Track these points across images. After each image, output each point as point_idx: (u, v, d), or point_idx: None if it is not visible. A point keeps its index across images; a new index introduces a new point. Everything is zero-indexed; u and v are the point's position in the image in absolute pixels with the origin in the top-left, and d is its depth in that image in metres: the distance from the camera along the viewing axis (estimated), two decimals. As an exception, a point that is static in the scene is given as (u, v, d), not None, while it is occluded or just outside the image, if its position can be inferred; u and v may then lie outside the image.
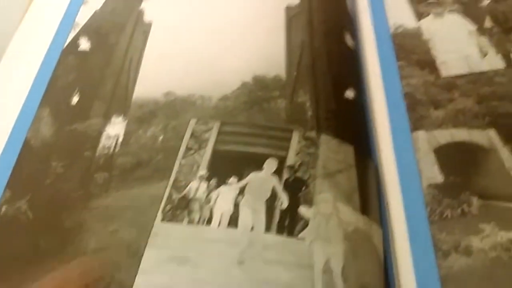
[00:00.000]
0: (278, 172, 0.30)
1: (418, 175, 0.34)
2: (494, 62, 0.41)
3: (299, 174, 0.30)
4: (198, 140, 0.32)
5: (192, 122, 0.33)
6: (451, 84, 0.39)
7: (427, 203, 0.33)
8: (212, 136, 0.32)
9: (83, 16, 0.45)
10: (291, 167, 0.30)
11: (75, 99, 0.37)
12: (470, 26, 0.44)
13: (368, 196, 0.31)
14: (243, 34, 0.38)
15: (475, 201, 0.32)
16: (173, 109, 0.34)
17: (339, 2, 0.42)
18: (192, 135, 0.32)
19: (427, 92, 0.39)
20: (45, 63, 0.41)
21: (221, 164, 0.31)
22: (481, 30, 0.44)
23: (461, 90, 0.39)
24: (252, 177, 0.30)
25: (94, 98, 0.37)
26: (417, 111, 0.38)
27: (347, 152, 0.32)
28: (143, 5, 0.43)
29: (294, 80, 0.35)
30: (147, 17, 0.42)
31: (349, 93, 0.35)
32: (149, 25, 0.41)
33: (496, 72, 0.39)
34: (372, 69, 0.41)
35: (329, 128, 0.33)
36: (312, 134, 0.32)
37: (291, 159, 0.30)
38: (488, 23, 0.44)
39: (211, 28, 0.39)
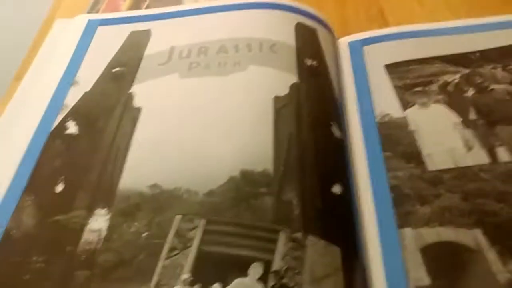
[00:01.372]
0: (263, 278, 0.29)
1: (405, 276, 0.34)
2: (479, 156, 0.41)
3: (285, 280, 0.29)
4: (183, 239, 0.32)
5: (177, 218, 0.33)
6: (437, 178, 0.40)
7: (415, 307, 0.32)
8: (197, 236, 0.31)
9: (72, 98, 0.45)
10: (277, 273, 0.30)
11: (59, 188, 0.37)
12: (455, 118, 0.45)
13: (355, 304, 0.30)
14: (231, 125, 0.38)
15: (464, 308, 0.32)
16: (159, 203, 0.34)
17: (327, 92, 0.43)
18: (176, 233, 0.32)
19: (414, 186, 0.39)
20: (31, 147, 0.41)
21: (205, 268, 0.30)
22: (466, 123, 0.44)
23: (447, 185, 0.39)
24: (237, 284, 0.29)
25: (79, 187, 0.36)
26: (404, 207, 0.38)
27: (334, 254, 0.32)
28: (134, 89, 0.44)
29: (281, 176, 0.35)
30: (136, 102, 0.43)
31: (336, 189, 0.35)
32: (138, 111, 0.42)
33: (481, 168, 0.40)
34: (359, 160, 0.42)
35: (316, 228, 0.32)
36: (299, 235, 0.31)
37: (277, 264, 0.30)
38: (472, 115, 0.45)
39: (200, 117, 0.39)
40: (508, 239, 0.34)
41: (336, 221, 0.34)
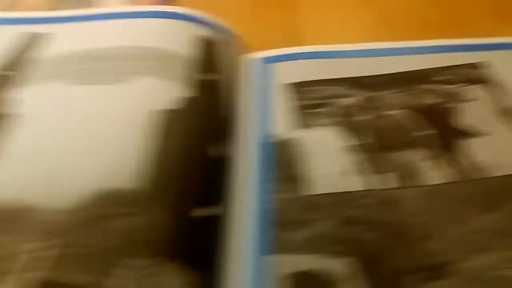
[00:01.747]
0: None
1: (262, 307, 0.32)
2: (366, 182, 0.40)
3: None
4: (29, 262, 0.29)
5: (26, 238, 0.30)
6: (319, 203, 0.38)
7: None
8: (44, 259, 0.29)
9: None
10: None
11: None
12: (350, 141, 0.44)
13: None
14: (104, 138, 0.36)
15: None
16: (9, 221, 0.31)
17: (216, 108, 0.41)
18: (23, 254, 0.29)
19: (293, 211, 0.38)
20: None
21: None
22: (360, 146, 0.44)
23: (327, 210, 0.38)
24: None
25: None
26: (278, 232, 0.37)
27: (194, 281, 0.30)
28: (17, 94, 0.41)
29: (147, 196, 0.33)
30: (16, 108, 0.40)
31: (206, 211, 0.33)
32: (16, 118, 0.39)
33: (364, 194, 0.39)
34: (242, 182, 0.40)
35: (177, 253, 0.30)
36: (158, 260, 0.29)
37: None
38: (368, 139, 0.44)
39: (74, 128, 0.37)
40: (380, 270, 0.33)
41: (201, 246, 0.32)
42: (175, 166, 0.35)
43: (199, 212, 0.33)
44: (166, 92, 0.40)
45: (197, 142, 0.37)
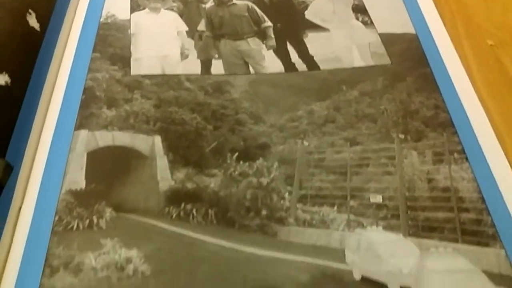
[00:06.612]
0: None
1: (62, 178, 0.31)
2: (191, 66, 0.39)
3: None
4: None
5: None
6: (136, 83, 0.37)
7: (58, 211, 0.29)
8: None
9: None
10: None
11: None
12: (182, 26, 0.42)
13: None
14: None
15: (108, 213, 0.29)
16: None
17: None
18: None
19: (108, 89, 0.36)
20: None
21: None
22: (191, 32, 0.42)
23: (144, 91, 0.36)
24: None
25: None
26: (89, 108, 0.35)
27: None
28: None
29: None
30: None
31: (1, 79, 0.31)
32: None
33: (188, 77, 0.38)
34: (61, 57, 0.37)
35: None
36: None
37: None
38: (201, 26, 0.42)
39: None
40: (184, 148, 0.33)
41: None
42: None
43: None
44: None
45: (19, 12, 0.33)
